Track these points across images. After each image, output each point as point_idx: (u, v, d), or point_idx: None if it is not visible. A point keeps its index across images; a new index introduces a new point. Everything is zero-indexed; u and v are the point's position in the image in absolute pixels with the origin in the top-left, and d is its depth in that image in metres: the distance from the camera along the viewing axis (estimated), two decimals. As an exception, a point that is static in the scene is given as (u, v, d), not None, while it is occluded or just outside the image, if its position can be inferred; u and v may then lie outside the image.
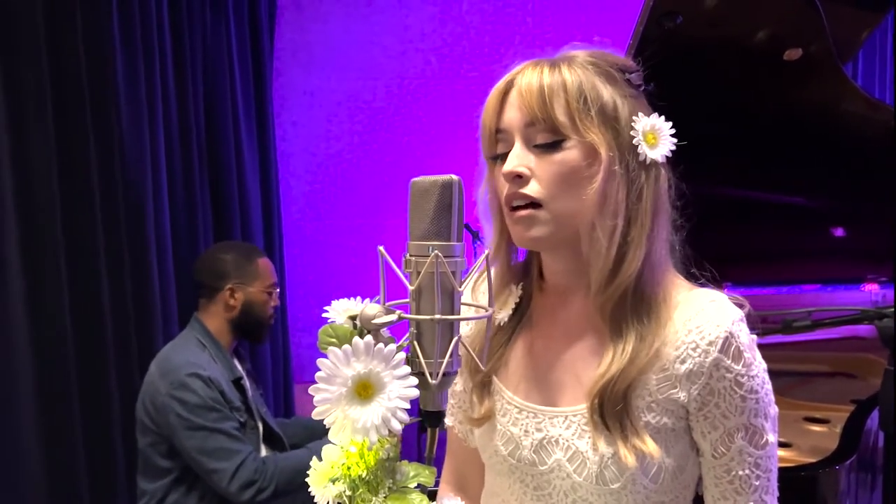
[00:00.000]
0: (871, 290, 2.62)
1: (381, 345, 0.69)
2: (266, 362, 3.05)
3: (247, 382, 2.10)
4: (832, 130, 2.06)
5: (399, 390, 0.68)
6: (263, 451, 2.11)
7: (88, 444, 2.35)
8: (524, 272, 0.98)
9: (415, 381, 0.69)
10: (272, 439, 2.14)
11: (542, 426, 0.91)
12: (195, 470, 1.94)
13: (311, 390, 0.68)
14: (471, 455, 1.05)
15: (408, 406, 0.69)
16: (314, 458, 0.78)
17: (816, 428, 1.69)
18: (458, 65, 3.49)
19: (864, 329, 2.42)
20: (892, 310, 1.43)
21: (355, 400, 0.68)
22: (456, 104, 3.47)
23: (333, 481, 0.75)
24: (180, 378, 1.93)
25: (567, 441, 0.88)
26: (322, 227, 3.51)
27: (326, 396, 0.67)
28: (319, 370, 0.68)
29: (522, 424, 0.92)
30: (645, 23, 1.46)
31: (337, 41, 3.45)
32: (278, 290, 2.24)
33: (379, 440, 0.70)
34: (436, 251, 0.72)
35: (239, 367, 2.13)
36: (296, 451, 2.05)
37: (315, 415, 0.69)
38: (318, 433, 2.29)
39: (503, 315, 0.96)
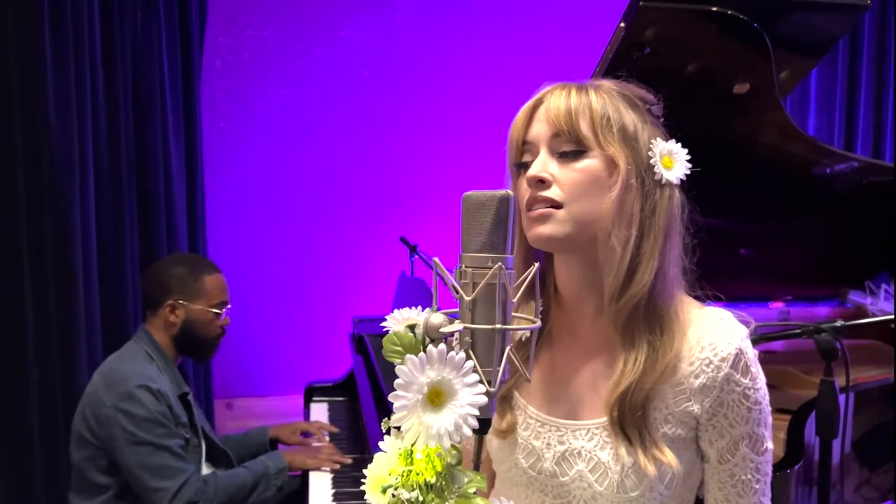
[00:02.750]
0: (778, 307, 2.83)
1: (452, 352, 0.71)
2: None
3: (192, 398, 2.03)
4: (751, 157, 2.22)
5: (469, 397, 0.70)
6: (205, 469, 2.04)
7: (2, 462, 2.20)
8: (539, 285, 1.01)
9: (483, 388, 0.71)
10: (215, 456, 2.07)
11: (564, 439, 0.94)
12: (134, 487, 1.85)
13: (391, 397, 0.69)
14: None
15: (478, 413, 0.71)
16: (370, 465, 0.77)
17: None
18: (390, 75, 3.51)
19: (777, 344, 2.63)
20: (829, 325, 1.56)
21: (428, 407, 0.70)
22: (387, 114, 3.48)
23: (387, 489, 0.75)
24: (128, 390, 1.84)
25: (589, 453, 0.92)
26: (247, 234, 3.43)
27: (405, 403, 0.69)
28: (398, 378, 0.69)
29: (545, 438, 0.95)
30: (614, 51, 1.55)
31: (268, 48, 3.40)
32: (229, 307, 2.13)
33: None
34: (499, 263, 0.74)
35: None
36: (235, 470, 2.00)
37: (393, 421, 0.70)
38: (251, 450, 2.24)
39: (522, 332, 0.97)
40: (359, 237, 3.43)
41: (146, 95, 2.77)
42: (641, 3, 1.46)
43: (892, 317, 1.99)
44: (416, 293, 2.28)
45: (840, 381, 1.56)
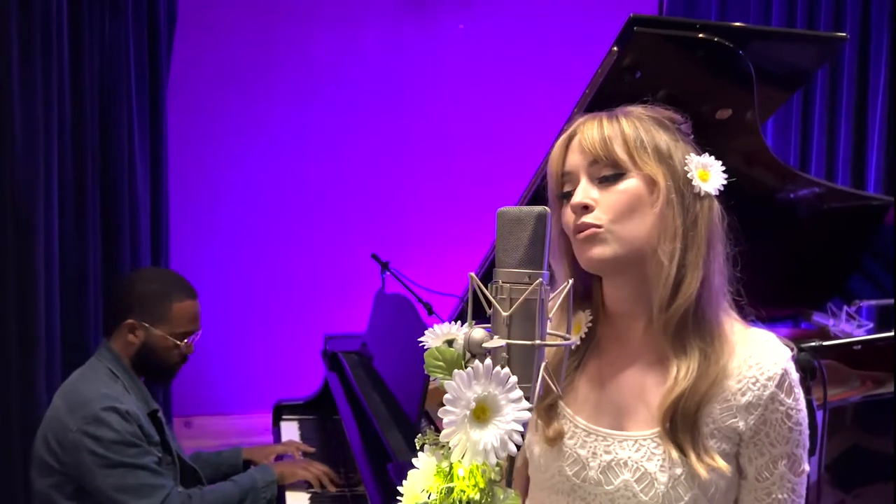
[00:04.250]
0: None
1: (497, 368, 0.71)
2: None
3: (162, 416, 1.95)
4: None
5: (514, 413, 0.70)
6: (179, 489, 1.97)
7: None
8: (587, 300, 1.04)
9: (528, 404, 0.71)
10: (185, 474, 2.00)
11: (610, 449, 0.96)
12: None
13: (440, 413, 0.68)
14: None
15: (522, 429, 0.71)
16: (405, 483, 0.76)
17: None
18: (358, 92, 3.51)
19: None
20: (807, 343, 1.61)
21: (474, 423, 0.69)
22: (357, 130, 3.48)
23: (421, 506, 0.74)
24: (94, 412, 1.75)
25: (636, 463, 0.94)
26: (212, 248, 3.37)
27: (453, 419, 0.68)
28: (447, 394, 0.68)
29: (591, 447, 0.97)
30: (606, 74, 1.58)
31: (235, 59, 3.36)
32: (197, 335, 2.00)
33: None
34: (539, 279, 0.74)
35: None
36: (222, 484, 1.93)
37: (442, 437, 0.69)
38: (223, 470, 2.17)
39: (574, 340, 1.00)
40: (329, 253, 3.40)
41: (113, 103, 2.71)
42: (636, 29, 1.49)
43: (855, 340, 2.06)
44: (392, 310, 2.25)
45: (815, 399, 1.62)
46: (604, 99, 1.42)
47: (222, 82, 3.33)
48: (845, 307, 2.39)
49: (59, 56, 2.43)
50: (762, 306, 2.90)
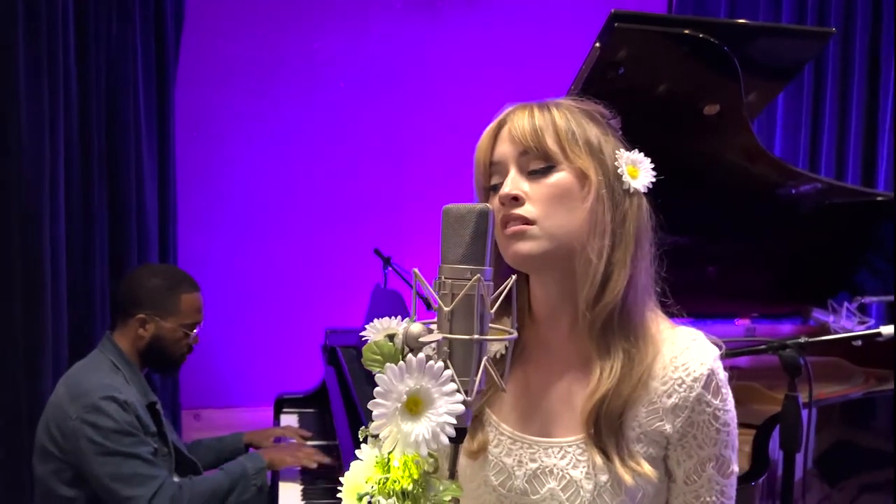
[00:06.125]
0: (743, 324, 2.88)
1: (431, 362, 0.72)
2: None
3: (161, 407, 2.00)
4: (716, 177, 2.27)
5: (447, 406, 0.72)
6: (175, 479, 2.01)
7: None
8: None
9: (461, 397, 0.73)
10: (182, 465, 2.04)
11: (536, 457, 0.94)
12: (105, 498, 1.82)
13: (370, 405, 0.70)
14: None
15: (455, 421, 0.72)
16: (347, 473, 0.78)
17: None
18: (366, 90, 3.53)
19: (742, 360, 2.67)
20: (793, 340, 1.60)
21: (406, 415, 0.71)
22: (361, 125, 3.50)
23: (363, 496, 0.76)
24: (93, 401, 1.80)
25: (562, 471, 0.92)
26: (217, 244, 3.41)
27: (384, 411, 0.70)
28: (378, 387, 0.70)
29: (516, 455, 0.95)
30: (590, 70, 1.58)
31: (242, 58, 3.40)
32: (200, 326, 2.07)
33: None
34: (478, 275, 0.76)
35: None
36: (211, 473, 1.97)
37: (372, 428, 0.71)
38: (224, 455, 2.22)
39: (500, 347, 0.97)
40: (332, 248, 3.43)
41: (120, 103, 2.76)
42: (617, 25, 1.49)
43: (854, 334, 2.04)
44: (390, 305, 2.28)
45: (803, 396, 1.60)
46: (589, 95, 1.42)
47: (228, 80, 3.37)
48: (846, 303, 2.37)
49: (65, 58, 2.47)
50: (767, 303, 2.88)
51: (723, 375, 0.93)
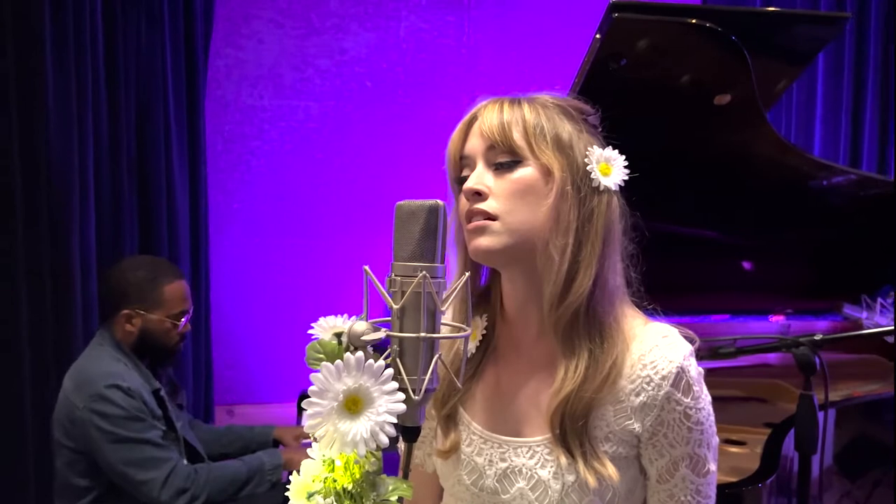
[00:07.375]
0: (778, 320, 2.80)
1: (370, 360, 0.71)
2: (187, 382, 2.97)
3: (165, 395, 2.02)
4: (748, 171, 2.21)
5: (387, 405, 0.71)
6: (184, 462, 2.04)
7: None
8: (486, 302, 1.01)
9: (402, 395, 0.72)
10: (187, 453, 2.06)
11: (506, 456, 0.94)
12: (121, 484, 1.86)
13: (304, 404, 0.70)
14: (426, 479, 1.07)
15: (395, 420, 0.71)
16: (296, 473, 0.77)
17: (734, 449, 1.79)
18: (394, 90, 3.54)
19: (773, 357, 2.60)
20: (807, 338, 1.54)
21: (345, 414, 0.70)
22: (391, 128, 3.51)
23: (311, 495, 0.76)
24: (98, 390, 1.84)
25: (530, 470, 0.92)
26: (249, 245, 3.46)
27: (319, 410, 0.69)
28: (313, 385, 0.70)
29: (487, 454, 0.95)
30: (591, 62, 1.55)
31: (272, 60, 3.44)
32: (190, 314, 2.06)
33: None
34: (423, 272, 0.75)
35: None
36: (230, 462, 2.00)
37: (307, 428, 0.71)
38: (253, 446, 2.24)
39: (471, 346, 0.98)
40: (362, 248, 3.45)
41: (149, 107, 2.79)
42: (616, 16, 1.46)
43: (884, 330, 1.96)
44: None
45: (821, 395, 1.54)
46: (594, 87, 1.40)
47: (258, 82, 3.42)
48: (879, 299, 2.27)
49: (93, 62, 2.51)
50: (801, 299, 2.78)
51: (695, 373, 0.91)
